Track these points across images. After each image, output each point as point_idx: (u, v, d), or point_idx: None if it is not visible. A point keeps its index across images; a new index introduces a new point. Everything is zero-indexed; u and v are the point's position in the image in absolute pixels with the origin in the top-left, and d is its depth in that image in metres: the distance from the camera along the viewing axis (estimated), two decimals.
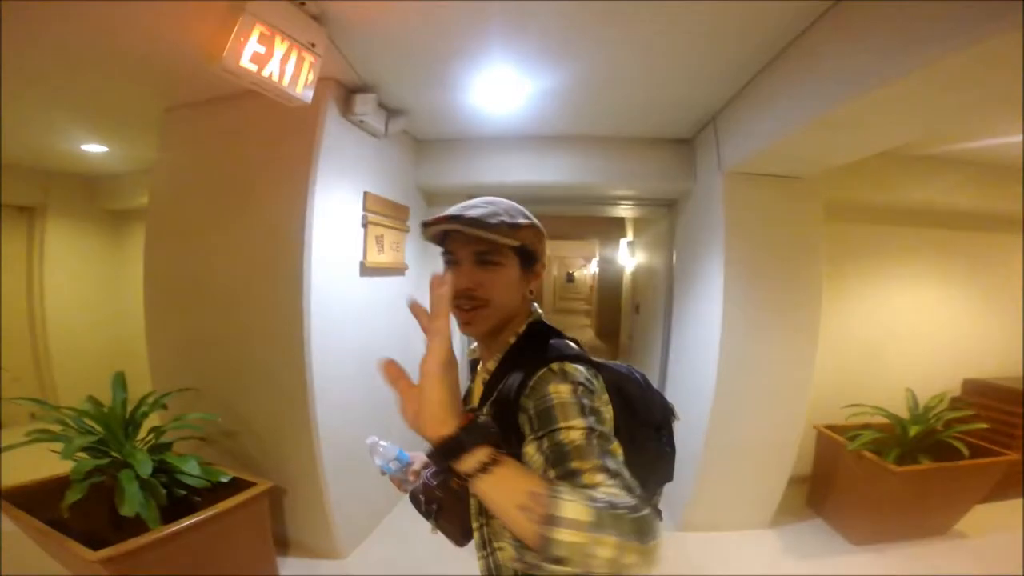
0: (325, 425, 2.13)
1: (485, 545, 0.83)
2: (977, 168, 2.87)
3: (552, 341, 0.81)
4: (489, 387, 0.81)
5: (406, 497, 1.03)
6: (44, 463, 1.78)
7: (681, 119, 2.53)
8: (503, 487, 0.57)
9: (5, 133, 2.71)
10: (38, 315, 3.93)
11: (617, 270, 6.36)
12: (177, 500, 1.86)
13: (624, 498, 0.55)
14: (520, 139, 2.84)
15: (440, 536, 0.95)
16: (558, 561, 0.53)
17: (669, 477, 0.91)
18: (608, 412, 0.73)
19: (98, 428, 1.83)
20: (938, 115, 1.55)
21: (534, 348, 0.80)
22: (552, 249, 13.41)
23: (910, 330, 3.26)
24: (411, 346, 2.98)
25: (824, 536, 2.68)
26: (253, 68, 1.42)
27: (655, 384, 0.93)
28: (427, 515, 0.93)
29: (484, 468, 0.57)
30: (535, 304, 0.90)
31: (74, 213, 4.06)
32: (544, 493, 0.53)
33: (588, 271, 15.18)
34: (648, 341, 3.77)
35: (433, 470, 0.92)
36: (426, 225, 0.81)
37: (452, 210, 0.79)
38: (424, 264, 3.10)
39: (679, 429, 0.96)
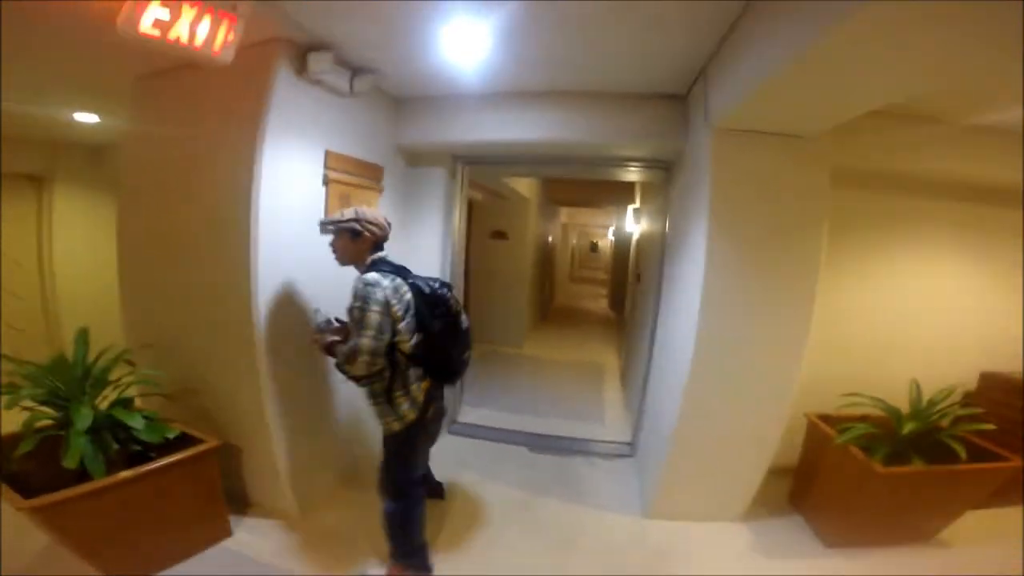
0: (278, 384, 2.15)
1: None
2: (1012, 138, 2.49)
3: (372, 271, 1.86)
4: None
5: (368, 466, 2.32)
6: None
7: (670, 71, 2.31)
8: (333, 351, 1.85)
9: (7, 108, 2.79)
10: (48, 278, 4.11)
11: (626, 239, 6.17)
12: (134, 455, 1.92)
13: (350, 347, 1.73)
14: (507, 95, 2.68)
15: None
16: (340, 367, 1.79)
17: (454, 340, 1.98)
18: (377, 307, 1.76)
19: (53, 381, 1.87)
20: (946, 60, 1.32)
21: (376, 266, 1.90)
22: (569, 216, 13.21)
23: (925, 315, 2.93)
24: None
25: (797, 535, 2.51)
26: (155, 33, 1.41)
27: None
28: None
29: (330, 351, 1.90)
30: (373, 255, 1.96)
31: (80, 181, 4.16)
32: (337, 351, 1.80)
33: (608, 240, 14.88)
34: (644, 313, 3.66)
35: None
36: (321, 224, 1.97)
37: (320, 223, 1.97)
38: (403, 221, 3.11)
39: (660, 409, 1.66)
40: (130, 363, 2.14)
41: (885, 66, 1.39)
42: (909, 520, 2.38)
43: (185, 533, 2.09)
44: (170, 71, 2.24)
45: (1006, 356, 2.94)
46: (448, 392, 2.30)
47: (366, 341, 1.69)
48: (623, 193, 6.02)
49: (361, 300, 1.73)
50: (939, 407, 2.37)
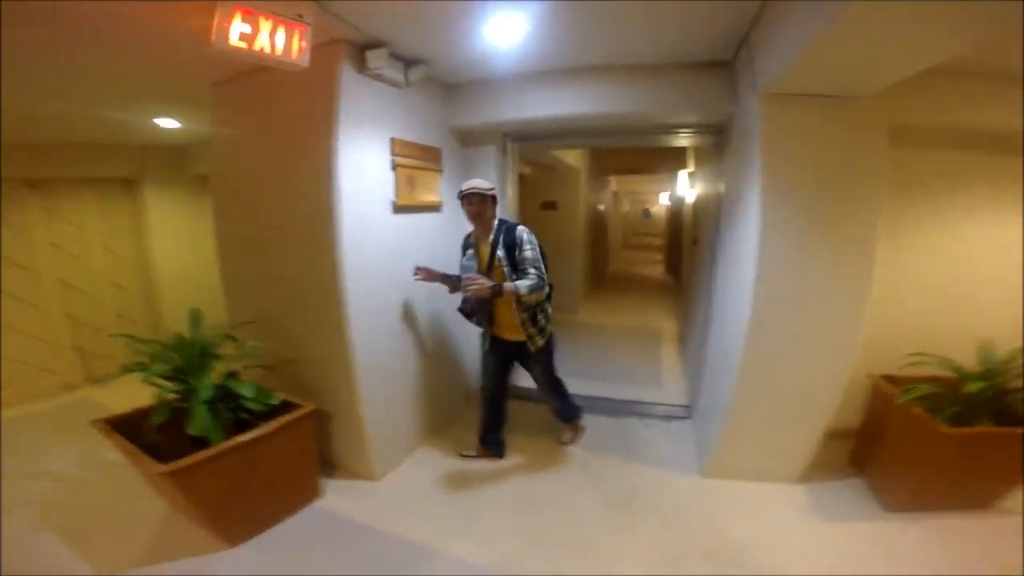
0: (361, 354, 2.41)
1: (514, 314, 2.49)
2: None
3: (513, 222, 2.54)
4: (494, 245, 2.47)
5: (444, 433, 3.14)
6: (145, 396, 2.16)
7: (714, 38, 2.28)
8: (509, 292, 2.32)
9: (97, 118, 3.14)
10: (148, 270, 4.69)
11: (680, 204, 6.04)
12: (242, 423, 2.16)
13: (536, 279, 2.36)
14: (552, 72, 2.73)
15: (469, 469, 2.78)
16: (522, 300, 2.40)
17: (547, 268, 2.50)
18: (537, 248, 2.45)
19: (176, 358, 2.16)
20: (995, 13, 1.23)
21: (507, 227, 2.48)
22: (619, 185, 12.93)
23: (989, 271, 2.75)
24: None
25: (856, 498, 2.47)
26: (243, 46, 1.62)
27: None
28: (469, 315, 2.57)
29: (503, 291, 2.32)
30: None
31: (166, 181, 4.63)
32: (514, 288, 2.32)
33: (662, 205, 14.45)
34: (702, 275, 3.64)
35: (473, 301, 2.47)
36: (461, 193, 2.47)
37: (462, 190, 2.46)
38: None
39: (718, 370, 2.55)
40: (234, 339, 2.44)
41: (934, 22, 1.33)
42: (971, 485, 2.31)
43: (286, 493, 2.35)
44: (244, 76, 2.48)
45: None
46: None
47: (543, 272, 2.41)
48: (674, 159, 5.87)
49: (530, 245, 2.43)
50: (1012, 367, 2.22)
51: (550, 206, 6.46)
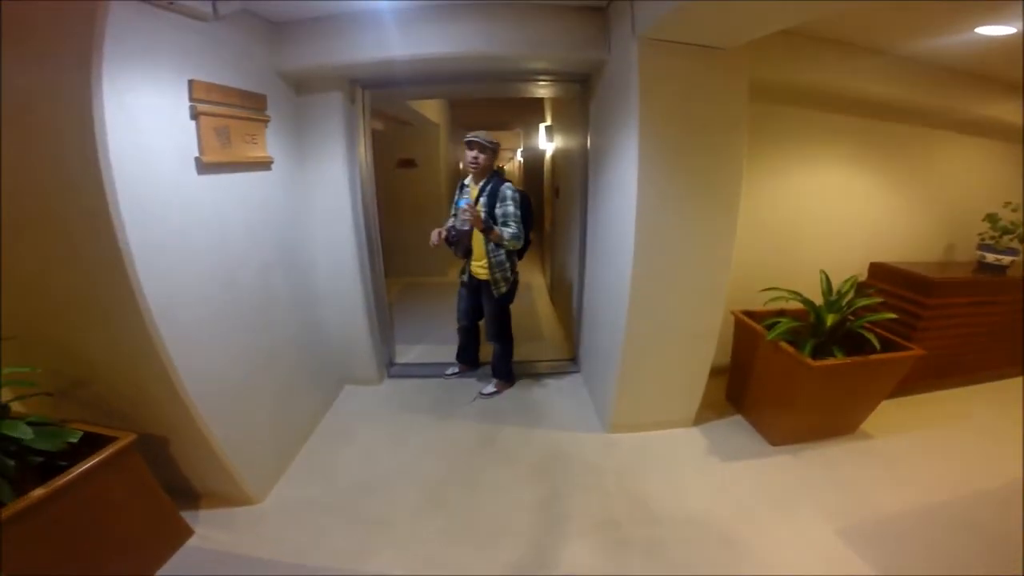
0: (183, 358, 1.83)
1: (487, 255, 2.77)
2: (910, 64, 2.74)
3: (503, 179, 2.79)
4: (481, 191, 2.77)
5: (319, 428, 2.83)
6: None
7: None
8: (493, 233, 2.65)
9: None
10: None
11: (539, 157, 6.02)
12: (46, 468, 1.60)
13: (516, 230, 2.69)
14: (405, 7, 2.30)
15: (363, 468, 2.48)
16: (503, 245, 2.72)
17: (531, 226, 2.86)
18: (518, 203, 2.73)
19: None
20: None
21: (496, 180, 2.77)
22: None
23: (823, 214, 3.21)
24: (288, 240, 2.66)
25: (743, 436, 2.68)
26: None
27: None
28: (454, 245, 2.89)
29: (491, 230, 2.66)
30: (497, 167, 2.93)
31: None
32: (499, 232, 2.66)
33: (516, 161, 14.57)
34: (568, 226, 3.63)
35: (460, 230, 2.81)
36: (465, 138, 2.75)
37: (470, 137, 2.72)
38: (298, 155, 2.75)
39: (602, 323, 2.82)
40: None
41: None
42: (838, 413, 2.57)
43: (141, 543, 1.85)
44: None
45: (890, 248, 3.40)
46: (382, 333, 3.35)
47: (520, 227, 2.70)
48: (532, 112, 5.79)
49: (512, 201, 2.68)
50: (846, 297, 2.52)
51: (408, 163, 5.95)
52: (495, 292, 2.84)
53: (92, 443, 1.72)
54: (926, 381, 3.06)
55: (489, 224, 2.64)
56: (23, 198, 1.69)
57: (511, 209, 2.67)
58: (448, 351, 3.55)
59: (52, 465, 1.62)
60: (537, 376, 3.39)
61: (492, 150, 2.71)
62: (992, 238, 3.22)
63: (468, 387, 3.25)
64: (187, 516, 2.05)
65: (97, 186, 1.56)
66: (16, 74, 1.56)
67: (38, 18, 1.49)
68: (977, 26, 2.16)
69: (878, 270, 3.28)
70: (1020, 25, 2.10)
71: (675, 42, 2.00)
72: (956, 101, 2.99)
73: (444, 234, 2.80)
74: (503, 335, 3.05)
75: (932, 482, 2.32)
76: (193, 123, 1.90)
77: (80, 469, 1.61)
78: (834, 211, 3.24)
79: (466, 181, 2.89)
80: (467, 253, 2.90)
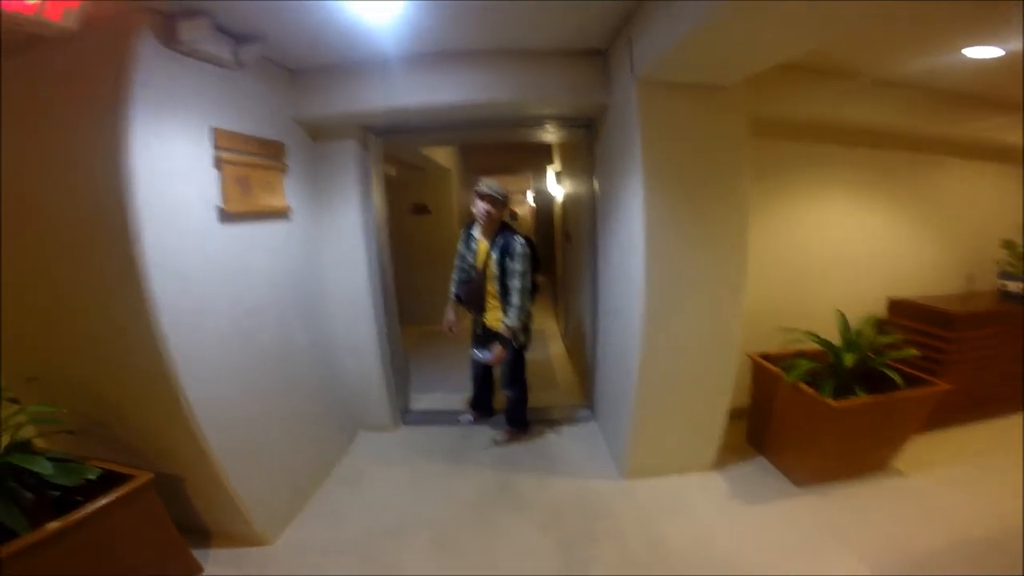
0: (201, 400, 1.85)
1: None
2: (908, 90, 2.78)
3: (513, 231, 2.72)
4: (492, 244, 2.73)
5: (334, 473, 2.75)
6: None
7: (590, 26, 2.21)
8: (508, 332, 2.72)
9: None
10: None
11: (549, 201, 6.13)
12: (62, 503, 1.63)
13: (521, 284, 2.66)
14: (416, 57, 2.42)
15: (375, 513, 2.40)
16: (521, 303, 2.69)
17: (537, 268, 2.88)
18: (528, 259, 2.69)
19: None
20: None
21: (507, 233, 2.72)
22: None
23: (835, 250, 3.16)
24: (306, 288, 2.69)
25: (767, 477, 2.58)
26: None
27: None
28: (466, 304, 2.92)
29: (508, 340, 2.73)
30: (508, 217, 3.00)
31: None
32: (508, 327, 2.70)
33: (529, 206, 14.83)
34: (580, 272, 3.63)
35: (469, 290, 2.87)
36: (477, 189, 2.71)
37: (481, 188, 2.70)
38: (314, 203, 2.82)
39: (615, 369, 2.73)
40: (14, 401, 1.73)
41: (787, 21, 1.46)
42: (865, 451, 2.48)
43: None
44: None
45: (908, 281, 3.31)
46: (397, 380, 3.30)
47: (525, 284, 2.67)
48: (541, 156, 5.94)
49: (521, 258, 2.64)
50: (866, 336, 2.46)
51: (422, 209, 6.07)
52: (515, 344, 2.78)
53: (110, 480, 1.75)
54: (958, 414, 2.92)
55: (508, 337, 2.69)
56: (57, 238, 1.79)
57: (519, 266, 2.62)
58: (462, 399, 3.51)
59: (69, 500, 1.66)
60: (552, 423, 3.29)
61: (503, 203, 2.71)
62: (1011, 265, 3.15)
63: (483, 434, 3.17)
64: (198, 554, 2.04)
65: (124, 229, 1.63)
66: (57, 111, 1.67)
67: (69, 63, 1.60)
68: (963, 47, 2.18)
69: (898, 306, 3.21)
70: (1006, 47, 2.13)
71: (674, 83, 2.05)
72: (956, 125, 3.00)
73: (452, 318, 3.07)
74: (517, 382, 2.97)
75: (965, 519, 2.18)
76: (216, 172, 1.98)
77: (95, 505, 1.64)
78: (847, 246, 3.18)
79: (473, 231, 2.86)
80: (480, 310, 2.85)
